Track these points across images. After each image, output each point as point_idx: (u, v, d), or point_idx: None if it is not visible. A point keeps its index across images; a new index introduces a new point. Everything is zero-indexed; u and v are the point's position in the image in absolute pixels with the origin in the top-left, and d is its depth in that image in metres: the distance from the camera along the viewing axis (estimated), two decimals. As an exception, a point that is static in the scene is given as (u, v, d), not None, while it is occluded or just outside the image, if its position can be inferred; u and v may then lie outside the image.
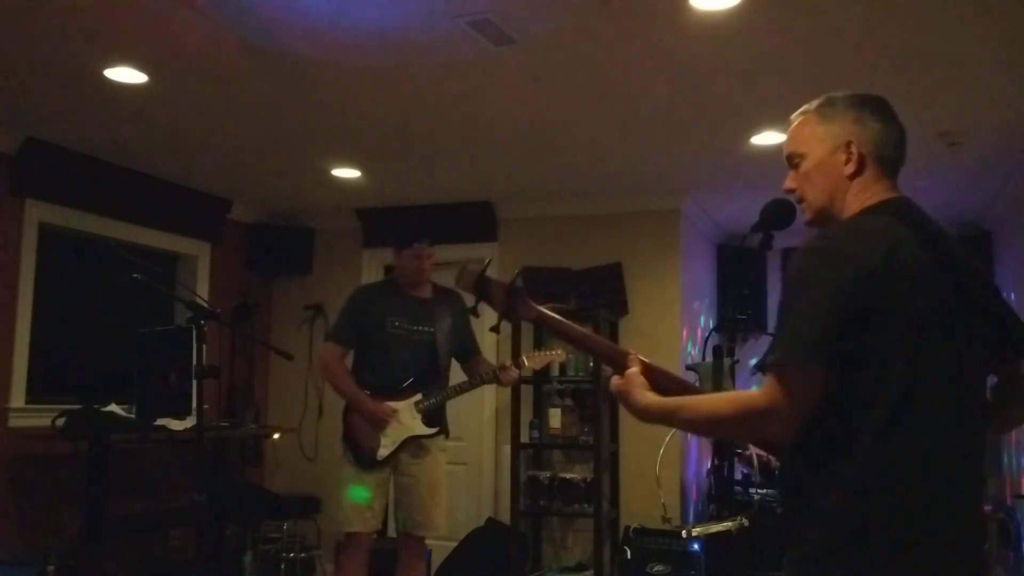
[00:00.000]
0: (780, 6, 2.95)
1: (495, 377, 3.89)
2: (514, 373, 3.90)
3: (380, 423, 3.82)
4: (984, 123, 4.05)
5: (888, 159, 1.68)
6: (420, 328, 3.94)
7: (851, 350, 1.46)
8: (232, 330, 5.04)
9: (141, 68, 3.55)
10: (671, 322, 5.46)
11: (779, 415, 1.49)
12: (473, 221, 5.79)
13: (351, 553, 3.83)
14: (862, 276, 1.47)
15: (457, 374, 4.10)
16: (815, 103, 1.72)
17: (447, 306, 4.01)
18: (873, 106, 1.69)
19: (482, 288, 1.93)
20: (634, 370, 1.73)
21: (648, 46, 3.29)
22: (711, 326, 6.13)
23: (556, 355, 4.19)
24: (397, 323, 3.92)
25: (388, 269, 6.09)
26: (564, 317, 1.90)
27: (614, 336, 5.49)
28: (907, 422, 1.45)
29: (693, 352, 5.75)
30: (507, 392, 5.28)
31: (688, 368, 5.38)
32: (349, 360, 4.05)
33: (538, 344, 4.72)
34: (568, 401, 5.29)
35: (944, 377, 1.49)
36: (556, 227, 5.71)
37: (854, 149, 1.66)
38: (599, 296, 5.43)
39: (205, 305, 3.21)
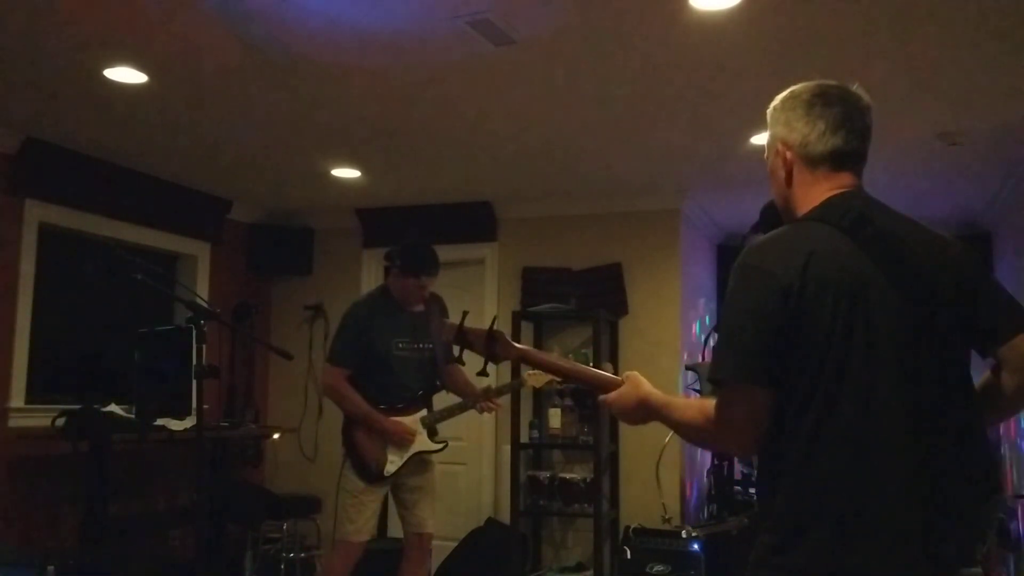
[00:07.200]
0: (780, 6, 2.95)
1: (474, 403, 3.99)
2: (492, 406, 4.00)
3: (402, 442, 3.87)
4: (984, 123, 4.05)
5: (819, 156, 1.62)
6: (422, 345, 4.00)
7: (783, 364, 1.47)
8: (232, 330, 5.03)
9: (141, 68, 3.55)
10: (671, 322, 5.46)
11: (726, 430, 1.54)
12: (473, 221, 5.78)
13: (347, 560, 3.86)
14: (779, 294, 1.47)
15: None
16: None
17: (436, 313, 4.05)
18: (802, 101, 1.64)
19: (463, 338, 2.04)
20: (633, 372, 1.79)
21: (648, 46, 3.29)
22: (711, 326, 6.13)
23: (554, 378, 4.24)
24: (402, 344, 3.94)
25: (388, 271, 6.09)
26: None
27: (614, 336, 5.49)
28: (835, 428, 1.45)
29: (692, 352, 5.75)
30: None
31: (688, 368, 5.38)
32: None
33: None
34: (568, 401, 5.30)
35: (879, 378, 1.46)
36: (556, 227, 5.71)
37: (788, 155, 1.65)
38: (599, 296, 5.42)
39: (205, 305, 3.20)
